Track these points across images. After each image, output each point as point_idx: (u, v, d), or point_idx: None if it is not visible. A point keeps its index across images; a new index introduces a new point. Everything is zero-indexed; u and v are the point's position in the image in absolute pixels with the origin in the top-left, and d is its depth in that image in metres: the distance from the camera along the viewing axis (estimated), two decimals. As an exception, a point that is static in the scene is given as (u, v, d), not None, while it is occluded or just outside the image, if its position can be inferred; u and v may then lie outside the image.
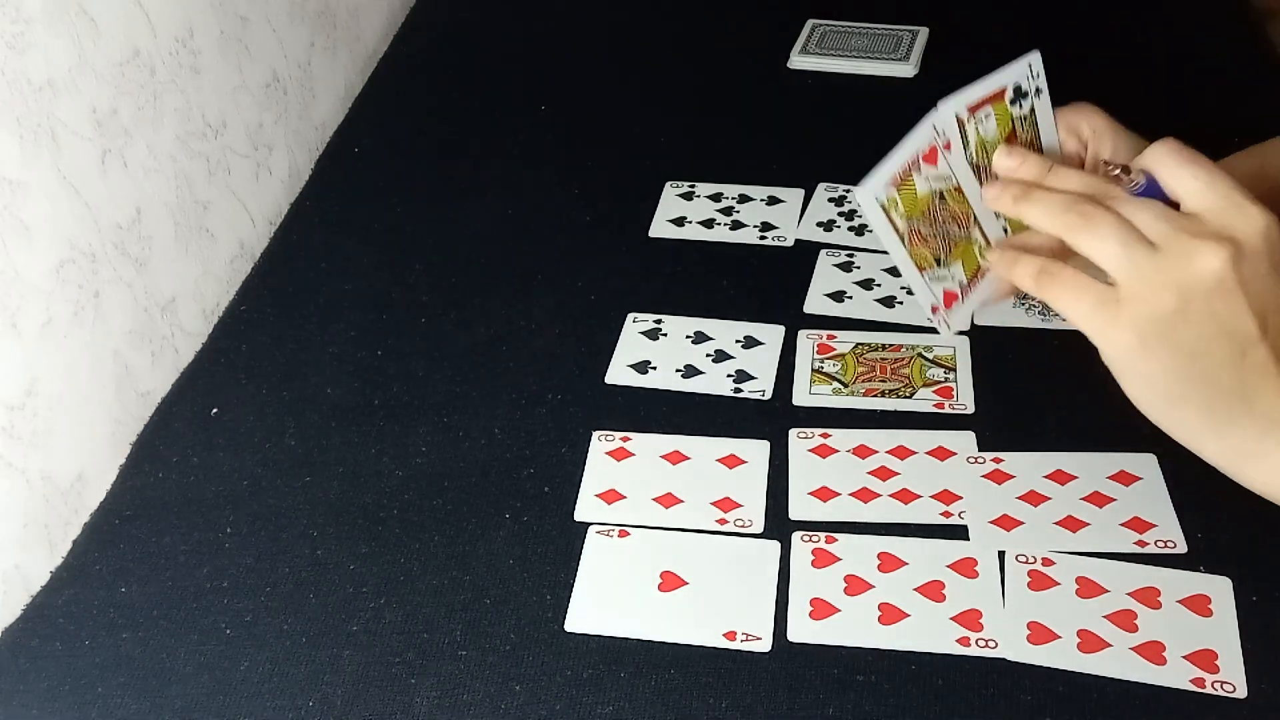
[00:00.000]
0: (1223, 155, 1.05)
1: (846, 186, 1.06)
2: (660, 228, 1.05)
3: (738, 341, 0.92)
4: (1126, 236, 0.61)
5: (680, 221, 1.05)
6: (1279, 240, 0.62)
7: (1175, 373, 0.61)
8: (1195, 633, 0.70)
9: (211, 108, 1.02)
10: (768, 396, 0.87)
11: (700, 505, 0.79)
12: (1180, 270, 0.60)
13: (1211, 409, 0.61)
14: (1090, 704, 0.67)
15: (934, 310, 0.68)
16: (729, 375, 0.89)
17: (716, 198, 1.07)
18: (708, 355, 0.91)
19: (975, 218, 0.70)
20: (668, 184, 1.09)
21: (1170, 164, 0.63)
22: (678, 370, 0.90)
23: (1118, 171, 0.65)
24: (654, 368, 0.90)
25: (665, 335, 0.93)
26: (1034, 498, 0.78)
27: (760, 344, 0.92)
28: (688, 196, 1.08)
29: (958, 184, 0.69)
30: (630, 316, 0.95)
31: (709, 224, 1.05)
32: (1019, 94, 0.70)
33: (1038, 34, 1.30)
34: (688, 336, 0.93)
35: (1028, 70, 0.71)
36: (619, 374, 0.90)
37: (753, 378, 0.89)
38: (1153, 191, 0.63)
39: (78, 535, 0.82)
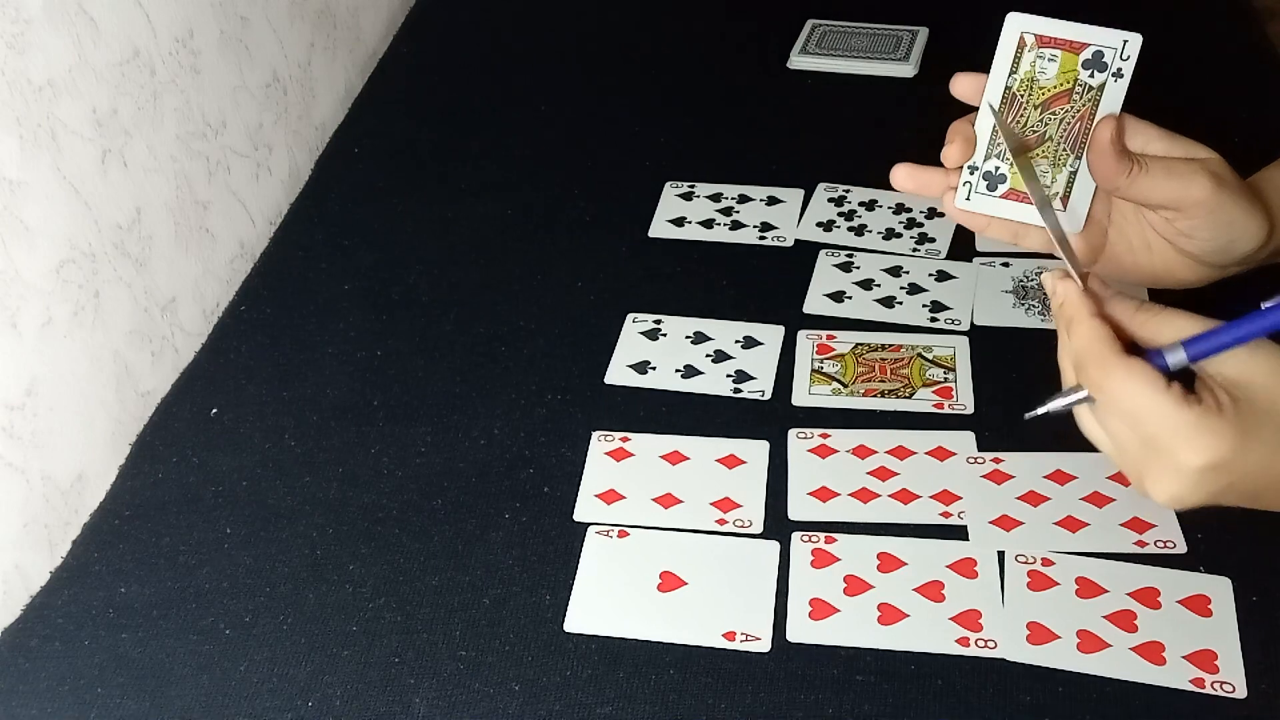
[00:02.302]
0: (1224, 155, 1.04)
1: (846, 186, 1.07)
2: (660, 228, 1.05)
3: (737, 342, 0.92)
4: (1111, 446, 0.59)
5: (680, 222, 1.05)
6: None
7: (1246, 500, 0.59)
8: (1195, 633, 0.70)
9: (211, 108, 1.02)
10: (767, 397, 0.87)
11: (700, 505, 0.79)
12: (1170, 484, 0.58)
13: None
14: (1089, 704, 0.67)
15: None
16: (728, 375, 0.89)
17: (716, 198, 1.07)
18: (707, 355, 0.91)
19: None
20: (667, 184, 1.09)
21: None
22: (677, 370, 0.90)
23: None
24: (653, 368, 0.90)
25: (665, 335, 0.93)
26: (1033, 498, 0.78)
27: (760, 344, 0.92)
28: (687, 196, 1.08)
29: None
30: (630, 317, 0.95)
31: (709, 224, 1.05)
32: (1098, 62, 0.66)
33: (1038, 34, 1.30)
34: (687, 337, 0.93)
35: (1120, 44, 0.66)
36: (618, 374, 0.90)
37: (752, 378, 0.89)
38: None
39: (77, 535, 0.82)
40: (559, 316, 0.96)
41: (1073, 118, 0.66)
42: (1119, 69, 0.66)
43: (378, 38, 1.36)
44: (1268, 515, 0.76)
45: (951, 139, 0.69)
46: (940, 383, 0.87)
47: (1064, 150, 0.66)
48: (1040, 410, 0.62)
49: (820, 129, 1.17)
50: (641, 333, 0.94)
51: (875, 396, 0.86)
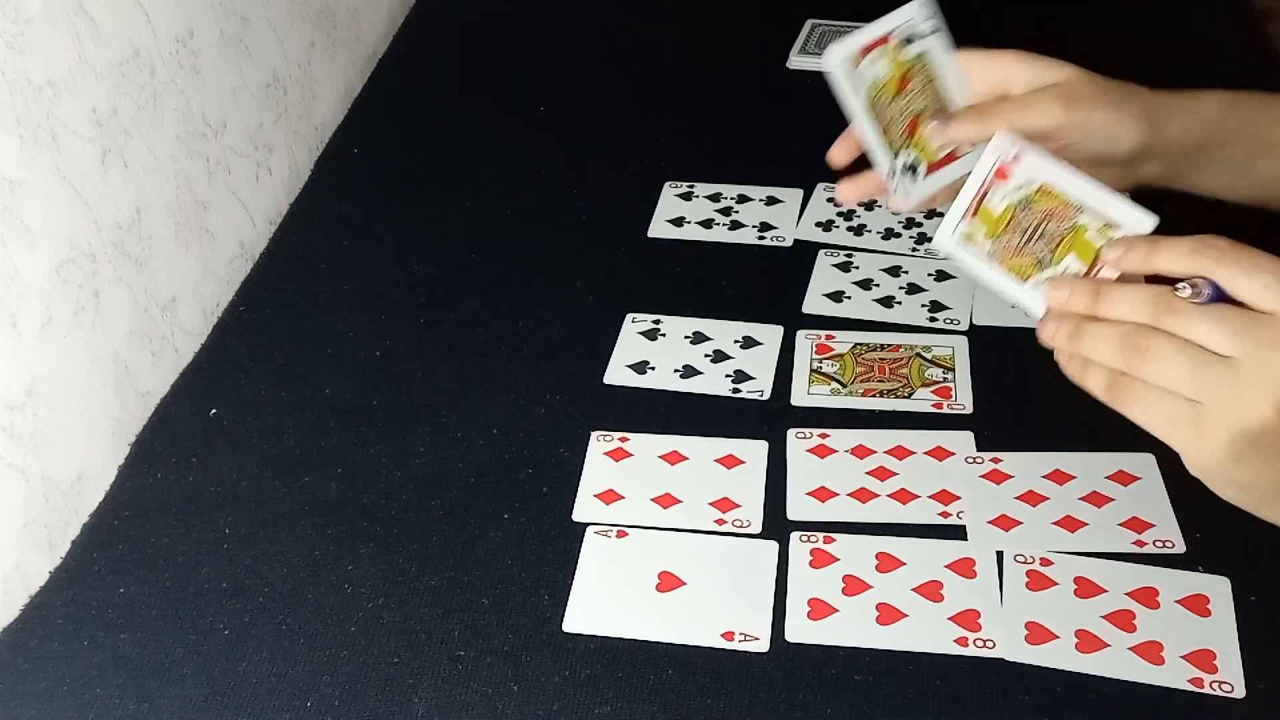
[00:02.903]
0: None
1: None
2: (659, 228, 1.05)
3: (736, 342, 0.92)
4: (1194, 361, 0.59)
5: (679, 222, 1.05)
6: None
7: (1272, 477, 0.59)
8: (1193, 633, 0.70)
9: (211, 108, 1.02)
10: (766, 397, 0.87)
11: (698, 505, 0.79)
12: (1267, 380, 0.57)
13: None
14: (1088, 704, 0.67)
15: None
16: (727, 375, 0.89)
17: (715, 198, 1.07)
18: (706, 355, 0.91)
19: (1073, 202, 0.68)
20: (667, 184, 1.09)
21: (1229, 267, 0.60)
22: (676, 370, 0.90)
23: (1182, 286, 0.61)
24: (652, 368, 0.91)
25: (664, 335, 0.93)
26: (1032, 498, 0.78)
27: (759, 344, 0.92)
28: (686, 197, 1.08)
29: (1043, 183, 0.69)
30: (629, 317, 0.95)
31: (708, 224, 1.05)
32: (906, 36, 0.74)
33: (1036, 34, 1.30)
34: (686, 337, 0.93)
35: (912, 15, 0.74)
36: (618, 374, 0.90)
37: (751, 378, 0.89)
38: (1217, 295, 0.60)
39: (77, 535, 0.82)
40: (558, 317, 0.96)
41: (924, 86, 0.75)
42: (927, 29, 0.75)
43: (378, 38, 1.36)
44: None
45: (835, 145, 0.79)
46: (939, 382, 0.87)
47: (939, 113, 0.74)
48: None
49: (820, 129, 1.17)
50: (640, 333, 0.94)
51: (874, 396, 0.86)
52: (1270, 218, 0.85)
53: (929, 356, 0.89)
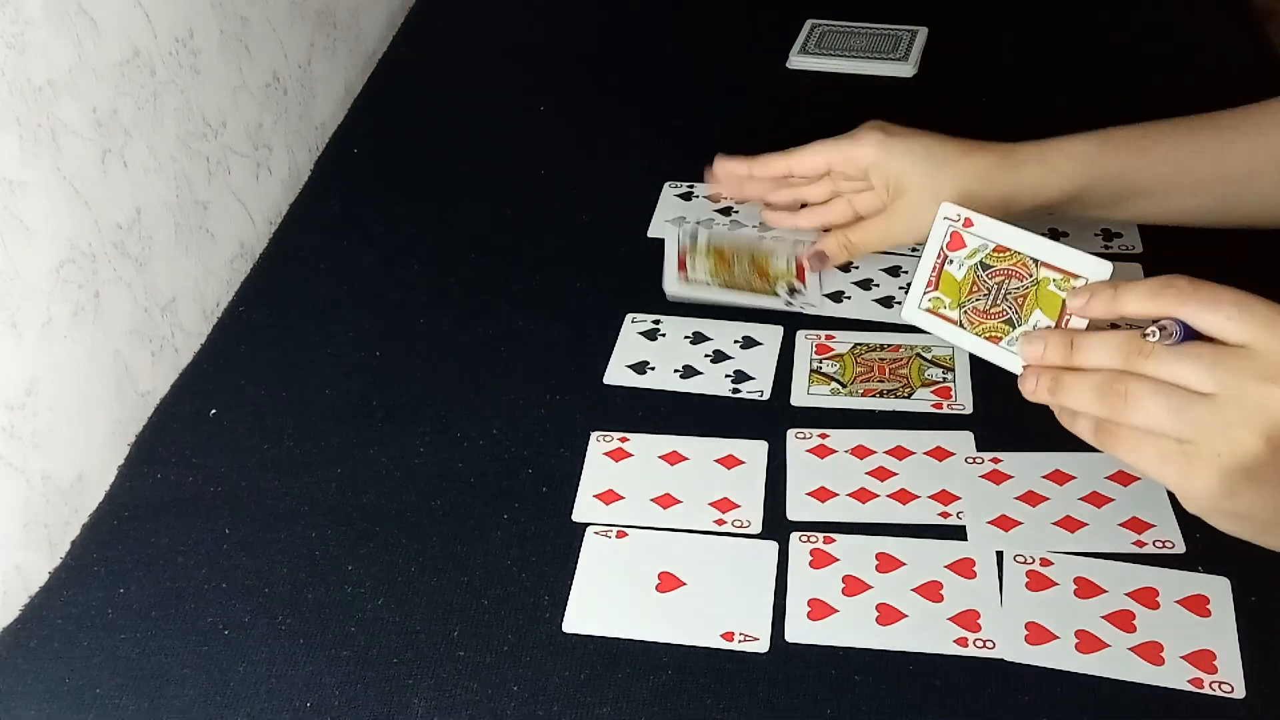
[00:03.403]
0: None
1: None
2: (659, 228, 1.04)
3: (736, 342, 0.92)
4: (1174, 401, 0.60)
5: (679, 222, 1.05)
6: None
7: (1269, 506, 0.60)
8: (1193, 633, 0.70)
9: (211, 108, 1.02)
10: (766, 397, 0.87)
11: (698, 506, 0.79)
12: (1251, 412, 0.58)
13: None
14: (1088, 704, 0.67)
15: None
16: (727, 375, 0.89)
17: (715, 198, 1.07)
18: (706, 356, 0.91)
19: (1032, 257, 0.72)
20: (666, 184, 1.09)
21: (1191, 304, 0.62)
22: (676, 371, 0.90)
23: (1151, 331, 0.63)
24: (652, 368, 0.90)
25: (663, 335, 0.93)
26: (1032, 498, 0.78)
27: (759, 344, 0.92)
28: (686, 197, 1.08)
29: (997, 244, 0.73)
30: (629, 317, 0.95)
31: (707, 224, 1.04)
32: (693, 237, 0.98)
33: (1036, 34, 1.31)
34: (686, 337, 0.93)
35: (681, 230, 1.00)
36: (617, 374, 0.90)
37: (751, 378, 0.89)
38: (1187, 334, 0.62)
39: (77, 535, 0.82)
40: (558, 316, 0.96)
41: (736, 249, 0.96)
42: (695, 228, 0.99)
43: (378, 38, 1.36)
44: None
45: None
46: (939, 383, 0.87)
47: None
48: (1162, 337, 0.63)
49: (819, 129, 1.17)
50: (640, 333, 0.94)
51: (874, 396, 0.86)
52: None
53: (929, 357, 0.89)
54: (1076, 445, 0.81)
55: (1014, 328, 0.71)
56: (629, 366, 0.91)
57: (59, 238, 0.83)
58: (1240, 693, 0.67)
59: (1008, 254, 0.72)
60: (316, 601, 0.75)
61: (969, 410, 0.85)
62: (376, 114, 1.23)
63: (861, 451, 0.82)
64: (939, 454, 0.81)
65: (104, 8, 0.88)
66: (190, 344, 0.97)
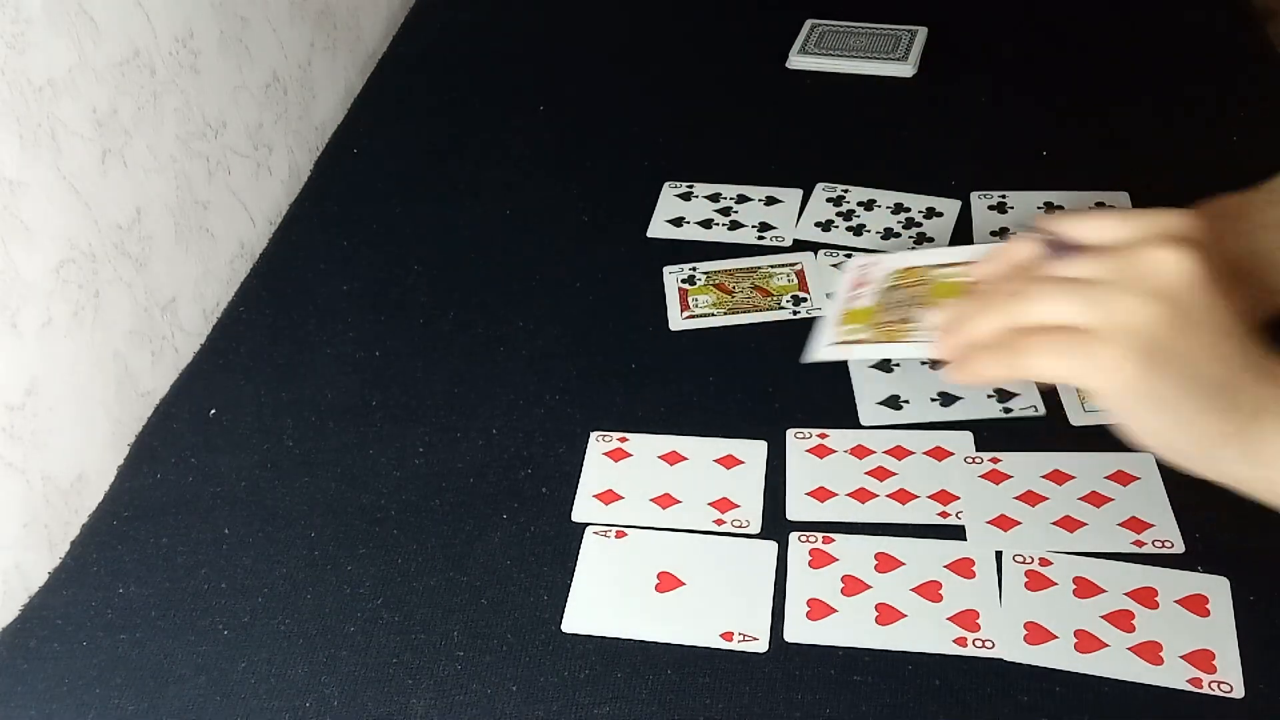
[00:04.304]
0: (1224, 155, 1.05)
1: (845, 186, 1.06)
2: (658, 228, 1.05)
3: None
4: (1069, 286, 0.59)
5: (678, 222, 1.05)
6: (1209, 231, 0.60)
7: (1188, 383, 0.57)
8: (1192, 633, 0.70)
9: (211, 108, 1.02)
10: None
11: (697, 506, 0.79)
12: (1148, 279, 0.58)
13: (1236, 407, 0.58)
14: (1087, 704, 0.67)
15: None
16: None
17: (715, 198, 1.07)
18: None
19: (929, 266, 0.73)
20: (666, 184, 1.09)
21: (1075, 224, 0.62)
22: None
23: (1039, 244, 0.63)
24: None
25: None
26: (1031, 498, 0.78)
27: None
28: (686, 197, 1.08)
29: (898, 269, 0.75)
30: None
31: (707, 224, 1.05)
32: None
33: (1035, 34, 1.31)
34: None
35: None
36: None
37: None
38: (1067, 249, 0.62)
39: (76, 535, 0.82)
40: (557, 316, 0.96)
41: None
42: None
43: (378, 38, 1.36)
44: (1265, 514, 0.76)
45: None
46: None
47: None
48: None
49: (819, 129, 1.17)
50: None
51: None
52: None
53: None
54: (1076, 445, 0.81)
55: (919, 321, 0.71)
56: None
57: (59, 238, 0.84)
58: (1239, 692, 0.67)
59: (906, 273, 0.74)
60: (316, 601, 0.75)
61: (968, 410, 0.85)
62: (376, 114, 1.23)
63: (861, 451, 0.82)
64: (938, 454, 0.81)
65: (104, 8, 0.88)
66: (190, 344, 0.97)
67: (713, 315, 0.94)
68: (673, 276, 0.98)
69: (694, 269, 0.99)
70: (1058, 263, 0.61)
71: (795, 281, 0.96)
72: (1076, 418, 0.83)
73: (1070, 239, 0.61)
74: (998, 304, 0.61)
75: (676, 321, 0.94)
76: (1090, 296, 0.58)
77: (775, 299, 0.94)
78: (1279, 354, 0.59)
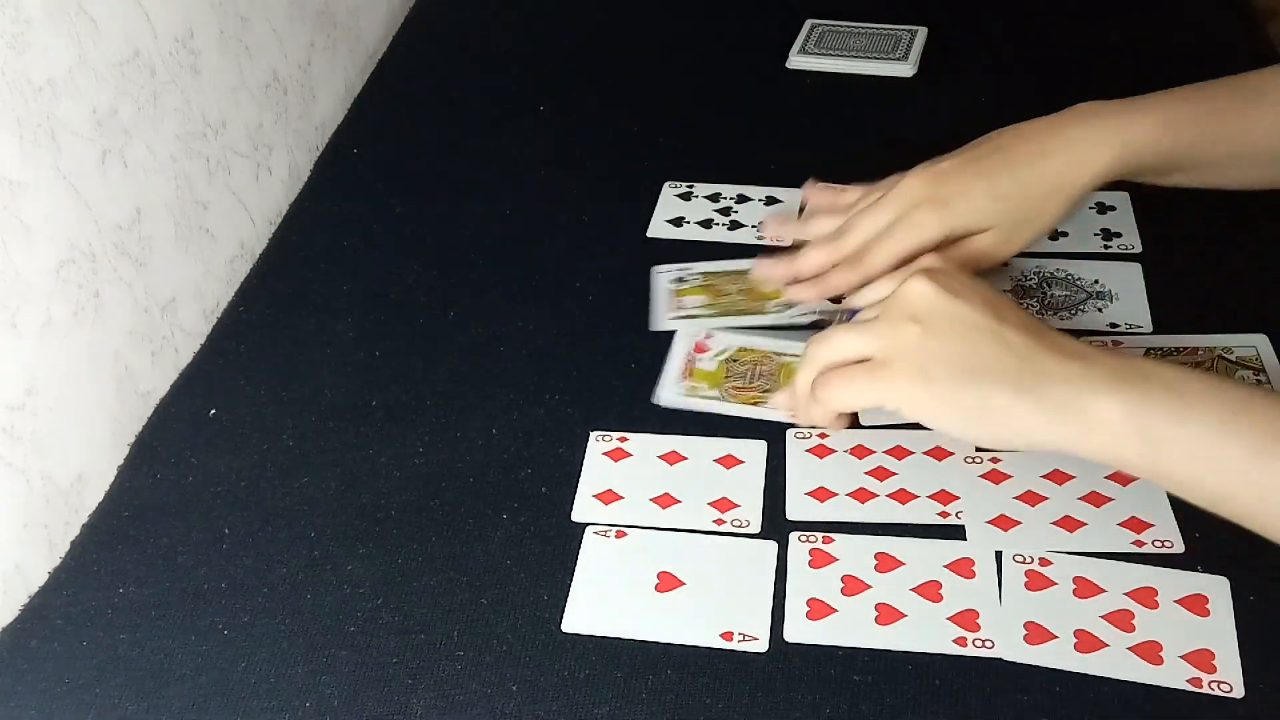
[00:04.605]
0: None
1: (844, 187, 1.06)
2: (658, 228, 1.05)
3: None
4: (852, 327, 0.77)
5: (678, 222, 1.05)
6: (951, 262, 0.81)
7: (964, 380, 0.72)
8: (1192, 632, 0.70)
9: (211, 108, 1.02)
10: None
11: (697, 506, 0.79)
12: (902, 309, 0.74)
13: (1018, 391, 0.71)
14: (1087, 704, 0.67)
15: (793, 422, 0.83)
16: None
17: (715, 198, 1.07)
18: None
19: (772, 352, 0.88)
20: (666, 184, 1.09)
21: (856, 299, 0.84)
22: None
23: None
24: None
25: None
26: (1031, 497, 0.78)
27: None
28: (686, 197, 1.08)
29: (739, 346, 0.88)
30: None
31: (707, 224, 1.05)
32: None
33: (1035, 34, 1.31)
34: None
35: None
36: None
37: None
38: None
39: (77, 535, 0.83)
40: (557, 316, 0.96)
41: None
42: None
43: (378, 38, 1.36)
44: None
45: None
46: None
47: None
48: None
49: (819, 129, 1.18)
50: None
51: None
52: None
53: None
54: (1076, 445, 0.81)
55: (772, 395, 0.84)
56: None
57: (59, 238, 0.84)
58: (1239, 692, 0.67)
59: (750, 351, 0.88)
60: (316, 601, 0.75)
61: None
62: (376, 114, 1.23)
63: (860, 451, 0.82)
64: (938, 454, 0.81)
65: (104, 8, 0.88)
66: (190, 344, 0.97)
67: (700, 317, 0.94)
68: (662, 277, 0.98)
69: (685, 269, 0.99)
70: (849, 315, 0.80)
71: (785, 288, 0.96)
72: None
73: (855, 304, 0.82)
74: (806, 356, 0.79)
75: (661, 322, 0.94)
76: (868, 331, 0.76)
77: (764, 302, 0.94)
78: (1038, 320, 0.76)
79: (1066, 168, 0.87)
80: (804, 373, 0.79)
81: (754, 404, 0.84)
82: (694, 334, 0.89)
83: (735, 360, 0.87)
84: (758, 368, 0.86)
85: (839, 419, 0.81)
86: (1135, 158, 0.88)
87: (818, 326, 0.88)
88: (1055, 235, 0.99)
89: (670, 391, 0.86)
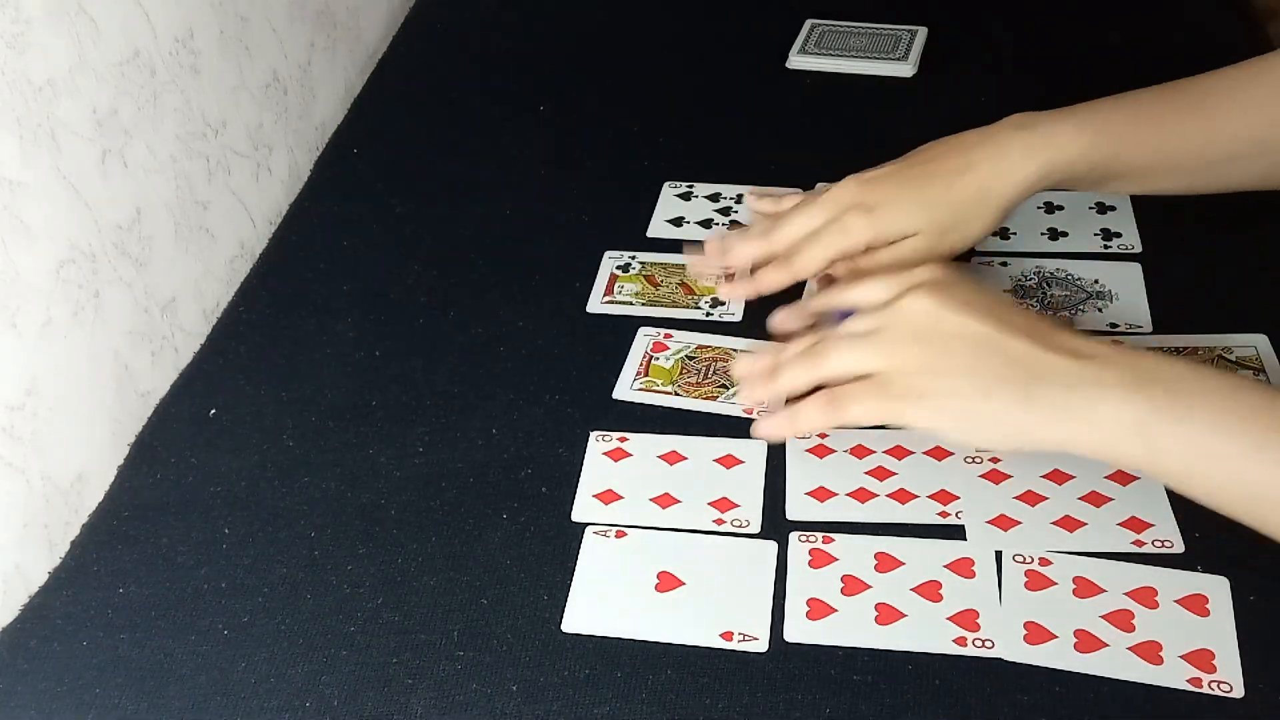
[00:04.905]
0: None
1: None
2: (658, 228, 1.05)
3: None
4: (852, 343, 0.76)
5: (678, 222, 1.05)
6: (952, 270, 0.78)
7: (971, 394, 0.72)
8: (1192, 632, 0.70)
9: (211, 108, 1.02)
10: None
11: (697, 505, 0.79)
12: (902, 326, 0.75)
13: (1027, 399, 0.71)
14: (1087, 704, 0.67)
15: (748, 411, 0.84)
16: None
17: (714, 198, 1.07)
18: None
19: (730, 350, 0.89)
20: (666, 184, 1.09)
21: (836, 295, 0.81)
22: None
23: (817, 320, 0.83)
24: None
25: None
26: (1031, 497, 0.78)
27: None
28: (686, 197, 1.08)
29: (697, 344, 0.90)
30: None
31: (707, 224, 1.05)
32: (624, 267, 1.00)
33: (1035, 34, 1.31)
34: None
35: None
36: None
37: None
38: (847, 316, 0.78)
39: (77, 535, 0.83)
40: (557, 316, 0.96)
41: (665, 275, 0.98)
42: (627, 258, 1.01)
43: (378, 38, 1.36)
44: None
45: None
46: None
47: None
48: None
49: (819, 129, 1.17)
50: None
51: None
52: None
53: None
54: (1075, 445, 0.81)
55: (728, 390, 0.86)
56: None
57: (59, 238, 0.84)
58: (1239, 692, 0.67)
59: (708, 349, 0.89)
60: (316, 601, 0.75)
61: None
62: (376, 114, 1.23)
63: (860, 451, 0.82)
64: (938, 454, 0.81)
65: (104, 8, 0.88)
66: (190, 344, 0.97)
67: (631, 304, 0.95)
68: (610, 261, 1.00)
69: (632, 257, 1.00)
70: (842, 325, 0.77)
71: (720, 285, 0.96)
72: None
73: (848, 305, 0.79)
74: (801, 362, 0.77)
75: (595, 304, 0.96)
76: (868, 347, 0.75)
77: (696, 299, 0.95)
78: (1042, 318, 0.77)
79: (992, 178, 0.88)
80: (796, 376, 0.78)
81: (708, 399, 0.86)
82: (653, 333, 0.91)
83: (692, 358, 0.88)
84: (714, 365, 0.87)
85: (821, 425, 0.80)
86: (1066, 167, 0.89)
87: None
88: (1056, 235, 0.99)
89: (625, 385, 0.88)
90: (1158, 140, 0.91)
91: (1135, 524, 0.76)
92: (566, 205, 1.08)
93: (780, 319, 0.85)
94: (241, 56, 1.07)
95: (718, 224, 1.04)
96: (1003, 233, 0.99)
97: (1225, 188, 0.94)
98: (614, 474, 0.82)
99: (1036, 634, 0.70)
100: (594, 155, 1.14)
